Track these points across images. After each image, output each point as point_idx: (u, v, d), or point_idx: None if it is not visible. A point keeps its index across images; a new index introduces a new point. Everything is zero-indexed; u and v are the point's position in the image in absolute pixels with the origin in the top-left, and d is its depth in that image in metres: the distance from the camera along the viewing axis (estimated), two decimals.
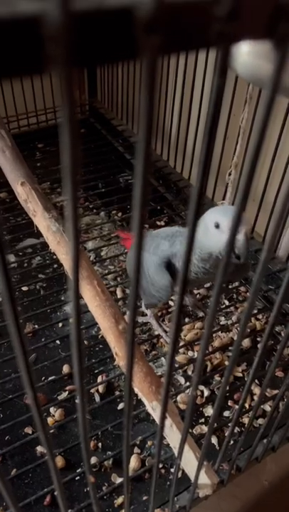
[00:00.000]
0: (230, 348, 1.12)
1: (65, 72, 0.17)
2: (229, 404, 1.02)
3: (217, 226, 0.82)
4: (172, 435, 0.72)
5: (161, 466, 0.90)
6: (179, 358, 1.09)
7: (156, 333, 1.15)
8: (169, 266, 0.94)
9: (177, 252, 0.93)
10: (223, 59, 0.22)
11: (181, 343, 1.12)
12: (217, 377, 1.07)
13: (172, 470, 0.90)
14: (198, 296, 1.25)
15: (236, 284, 1.30)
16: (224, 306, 1.24)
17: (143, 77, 0.20)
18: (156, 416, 0.78)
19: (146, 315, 1.15)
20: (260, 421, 0.99)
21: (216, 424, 0.95)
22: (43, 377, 1.04)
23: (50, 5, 0.17)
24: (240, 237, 0.78)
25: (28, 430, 0.94)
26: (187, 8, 0.19)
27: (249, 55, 0.37)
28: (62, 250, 0.95)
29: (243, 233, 0.78)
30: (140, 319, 1.16)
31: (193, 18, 0.19)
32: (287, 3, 0.22)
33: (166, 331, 1.13)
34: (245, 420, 0.98)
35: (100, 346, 1.12)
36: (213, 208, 0.86)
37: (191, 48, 0.20)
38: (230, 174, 1.29)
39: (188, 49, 0.20)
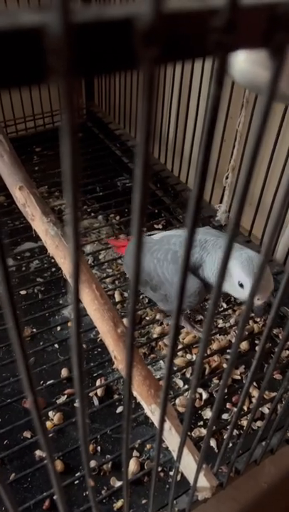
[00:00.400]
0: (228, 350, 1.12)
1: (66, 83, 0.17)
2: (228, 406, 1.03)
3: (241, 285, 0.88)
4: (171, 438, 0.72)
5: (160, 469, 0.90)
6: (178, 361, 1.10)
7: (154, 336, 1.15)
8: (194, 274, 0.96)
9: (197, 261, 0.96)
10: (221, 68, 0.22)
11: (180, 346, 1.12)
12: (215, 380, 1.07)
13: (171, 473, 0.90)
14: None
15: None
16: (222, 309, 1.24)
17: (142, 86, 0.20)
18: (155, 419, 0.78)
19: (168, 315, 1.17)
20: (259, 423, 0.99)
21: (214, 427, 0.95)
22: (42, 381, 1.04)
23: (51, 17, 0.17)
24: (259, 303, 0.90)
25: (27, 434, 0.94)
26: (185, 19, 0.20)
27: (246, 63, 0.37)
28: (60, 254, 0.96)
29: (262, 302, 0.90)
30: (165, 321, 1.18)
31: (191, 29, 0.20)
32: (283, 13, 0.22)
33: (193, 326, 1.16)
34: (244, 423, 0.98)
35: (99, 350, 1.12)
36: (239, 259, 0.88)
37: (189, 57, 0.21)
38: (227, 177, 1.29)
39: (187, 59, 0.21)
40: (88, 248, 1.40)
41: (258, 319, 1.22)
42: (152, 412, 0.75)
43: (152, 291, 1.05)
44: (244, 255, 0.88)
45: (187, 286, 1.13)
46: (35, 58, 0.17)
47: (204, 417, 1.00)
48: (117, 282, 1.30)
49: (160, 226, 1.51)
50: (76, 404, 1.00)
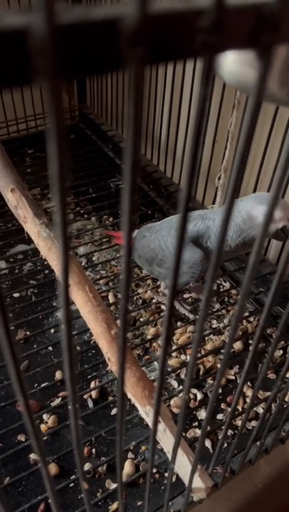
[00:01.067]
0: (222, 350, 1.13)
1: (52, 84, 0.17)
2: (222, 407, 1.03)
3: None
4: (166, 439, 0.72)
5: (155, 470, 0.90)
6: (172, 362, 1.10)
7: (148, 337, 1.15)
8: (196, 244, 0.99)
9: (201, 230, 0.99)
10: (208, 68, 0.22)
11: (174, 347, 1.12)
12: (210, 381, 1.07)
13: (166, 474, 0.90)
14: (189, 299, 1.26)
15: (227, 287, 1.30)
16: (216, 309, 1.24)
17: (130, 87, 0.20)
18: (149, 420, 0.78)
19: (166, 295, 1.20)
20: (253, 423, 0.99)
21: (209, 428, 0.95)
22: (36, 384, 1.03)
23: (35, 18, 0.17)
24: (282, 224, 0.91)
25: (21, 438, 0.94)
26: (171, 20, 0.19)
27: (235, 63, 0.37)
28: (53, 256, 0.95)
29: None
30: (159, 299, 1.22)
31: (178, 30, 0.20)
32: (270, 13, 0.23)
33: (187, 309, 1.18)
34: (239, 423, 0.98)
35: (93, 352, 1.11)
36: (254, 199, 0.92)
37: (176, 58, 0.21)
38: (219, 178, 1.29)
39: (174, 59, 0.21)
40: (81, 250, 1.39)
41: (252, 318, 1.22)
42: (147, 413, 0.75)
43: (158, 267, 1.09)
44: (251, 197, 0.92)
45: (188, 256, 1.19)
46: (19, 60, 0.17)
47: (199, 418, 1.00)
48: (110, 284, 1.30)
49: None
50: (70, 407, 0.99)
